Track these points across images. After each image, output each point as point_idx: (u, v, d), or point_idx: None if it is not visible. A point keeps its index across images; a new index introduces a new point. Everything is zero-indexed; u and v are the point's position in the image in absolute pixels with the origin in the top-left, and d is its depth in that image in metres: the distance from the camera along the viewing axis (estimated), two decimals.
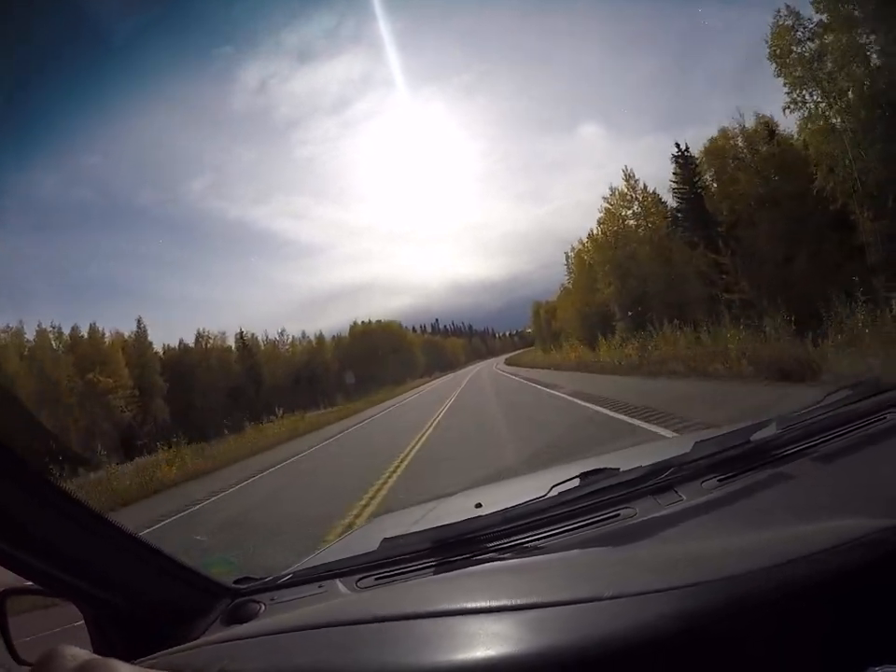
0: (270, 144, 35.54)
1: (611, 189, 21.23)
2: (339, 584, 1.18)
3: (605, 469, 1.27)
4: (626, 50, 27.65)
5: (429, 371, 47.95)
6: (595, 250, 22.61)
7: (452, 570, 1.09)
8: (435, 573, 1.12)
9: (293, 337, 36.54)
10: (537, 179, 41.56)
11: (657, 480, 1.19)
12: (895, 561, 0.69)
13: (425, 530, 1.27)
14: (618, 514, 1.15)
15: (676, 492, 1.17)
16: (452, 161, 47.06)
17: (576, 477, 1.25)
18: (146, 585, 1.05)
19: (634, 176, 20.39)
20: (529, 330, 47.19)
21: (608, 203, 21.36)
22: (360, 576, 1.19)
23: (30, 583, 1.01)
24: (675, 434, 5.43)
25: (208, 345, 31.75)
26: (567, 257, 26.42)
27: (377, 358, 39.57)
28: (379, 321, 43.01)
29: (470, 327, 59.60)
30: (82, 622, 1.06)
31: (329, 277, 42.91)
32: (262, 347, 34.21)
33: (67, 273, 28.80)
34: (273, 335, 33.74)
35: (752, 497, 1.08)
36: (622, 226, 21.07)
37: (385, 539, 1.25)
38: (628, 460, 1.35)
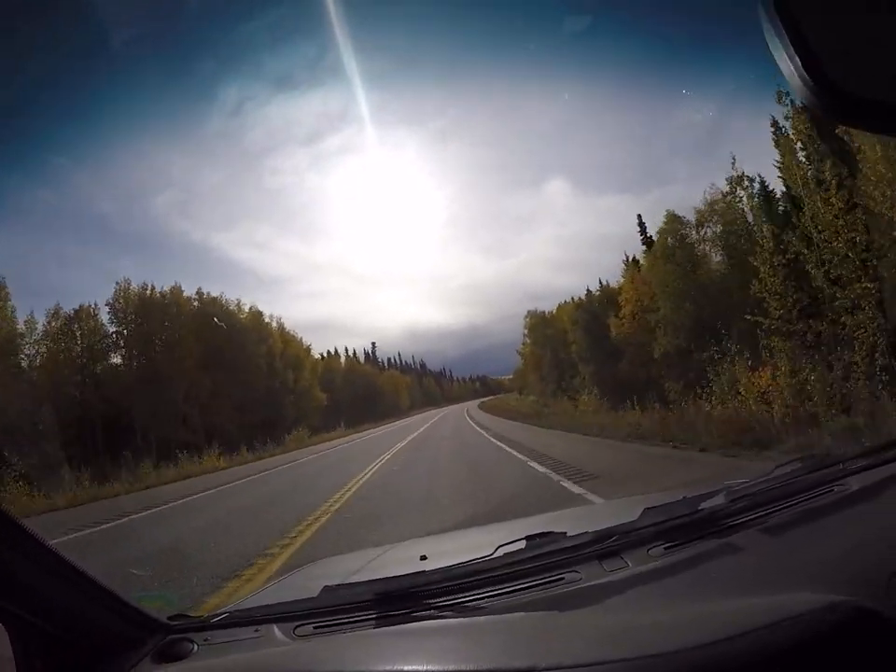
0: (239, 168, 31.31)
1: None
2: (276, 630, 1.13)
3: (551, 532, 1.25)
4: (594, 112, 27.11)
5: (333, 423, 27.00)
6: None
7: (391, 625, 1.06)
8: (375, 626, 1.08)
9: None
10: (501, 232, 39.19)
11: (604, 545, 1.18)
12: (829, 640, 0.69)
13: (368, 581, 1.25)
14: (562, 578, 1.12)
15: (622, 558, 1.15)
16: (419, 207, 43.97)
17: (522, 539, 1.22)
18: (75, 612, 1.00)
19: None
20: (500, 378, 43.99)
21: None
22: (298, 623, 1.13)
23: None
24: None
25: None
26: None
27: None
28: (201, 296, 20.00)
29: (423, 364, 48.63)
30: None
31: (287, 312, 33.83)
32: None
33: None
34: None
35: (697, 566, 1.07)
36: None
37: (327, 587, 1.21)
38: (575, 522, 1.37)
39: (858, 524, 1.12)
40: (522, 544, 1.20)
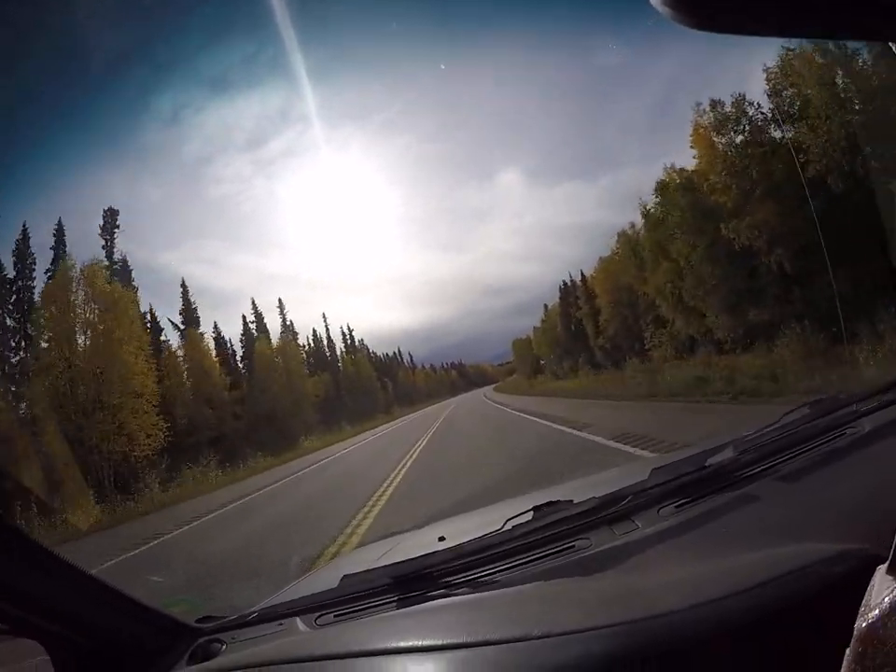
0: (180, 181, 30.28)
1: None
2: (298, 622, 1.18)
3: (558, 501, 1.26)
4: (541, 97, 26.30)
5: None
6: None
7: (407, 607, 1.09)
8: (394, 609, 1.11)
9: None
10: (457, 227, 39.66)
11: (613, 509, 1.17)
12: (838, 591, 0.66)
13: (382, 567, 1.26)
14: (573, 546, 1.13)
15: (632, 521, 1.14)
16: (372, 206, 44.07)
17: (530, 510, 1.23)
18: (109, 625, 1.06)
19: None
20: (482, 364, 42.71)
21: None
22: (319, 613, 1.18)
23: None
24: None
25: None
26: None
27: None
28: None
29: (351, 338, 32.71)
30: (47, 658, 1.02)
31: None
32: None
33: None
34: None
35: (708, 522, 1.06)
36: None
37: (346, 576, 1.25)
38: (583, 491, 1.34)
39: (873, 466, 1.10)
40: (529, 516, 1.21)
